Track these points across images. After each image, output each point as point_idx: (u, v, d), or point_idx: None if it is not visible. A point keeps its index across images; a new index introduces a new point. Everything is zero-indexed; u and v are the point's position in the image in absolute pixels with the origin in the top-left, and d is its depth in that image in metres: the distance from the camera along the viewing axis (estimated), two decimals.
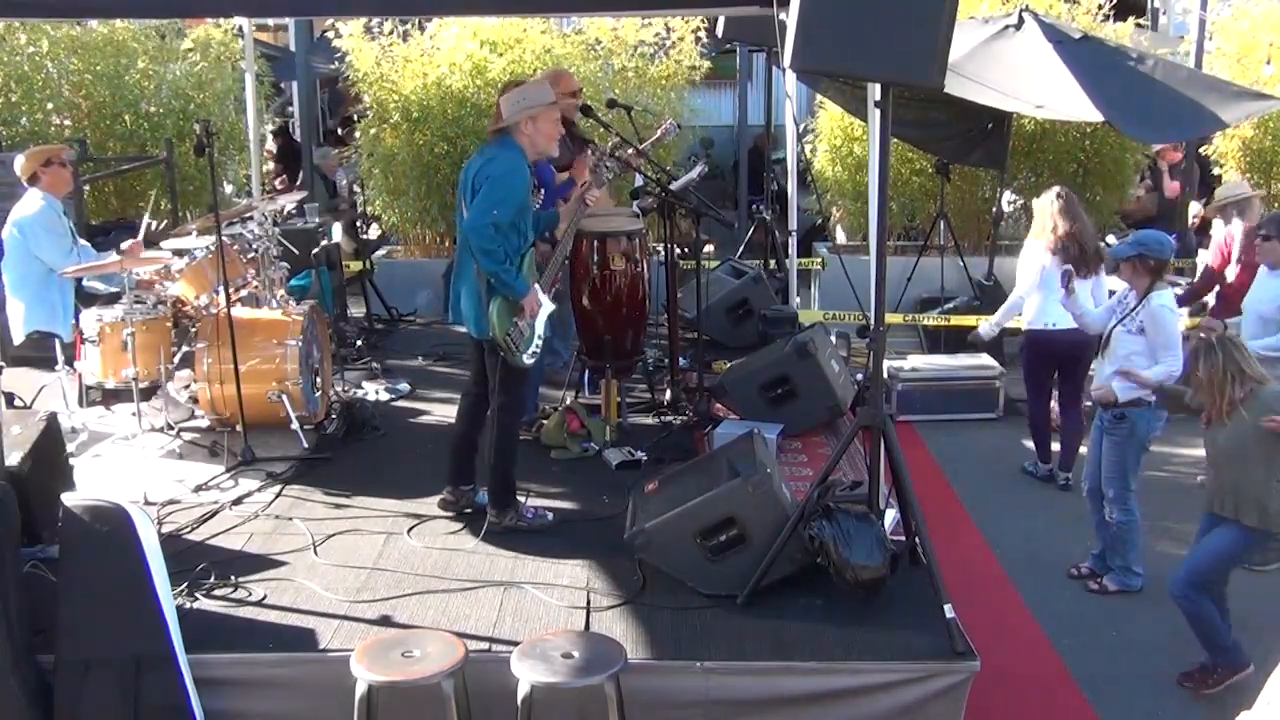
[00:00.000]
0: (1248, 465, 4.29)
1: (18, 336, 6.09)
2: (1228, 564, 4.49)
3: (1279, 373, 4.77)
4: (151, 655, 3.58)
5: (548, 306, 4.76)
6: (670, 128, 6.85)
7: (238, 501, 5.01)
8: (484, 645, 3.79)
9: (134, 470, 5.30)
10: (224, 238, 5.52)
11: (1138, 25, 9.64)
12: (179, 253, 6.04)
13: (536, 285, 4.67)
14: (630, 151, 6.39)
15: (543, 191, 5.48)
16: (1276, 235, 5.60)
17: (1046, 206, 6.20)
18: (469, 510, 4.84)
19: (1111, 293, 5.75)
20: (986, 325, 6.62)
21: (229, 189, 9.97)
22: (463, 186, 4.60)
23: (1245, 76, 9.34)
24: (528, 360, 4.66)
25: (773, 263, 8.90)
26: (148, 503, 4.90)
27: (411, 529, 4.74)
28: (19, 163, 6.14)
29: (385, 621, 3.97)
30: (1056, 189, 6.28)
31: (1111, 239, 9.28)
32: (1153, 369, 5.02)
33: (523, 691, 3.35)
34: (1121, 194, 10.03)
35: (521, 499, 4.87)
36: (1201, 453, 6.61)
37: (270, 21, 13.99)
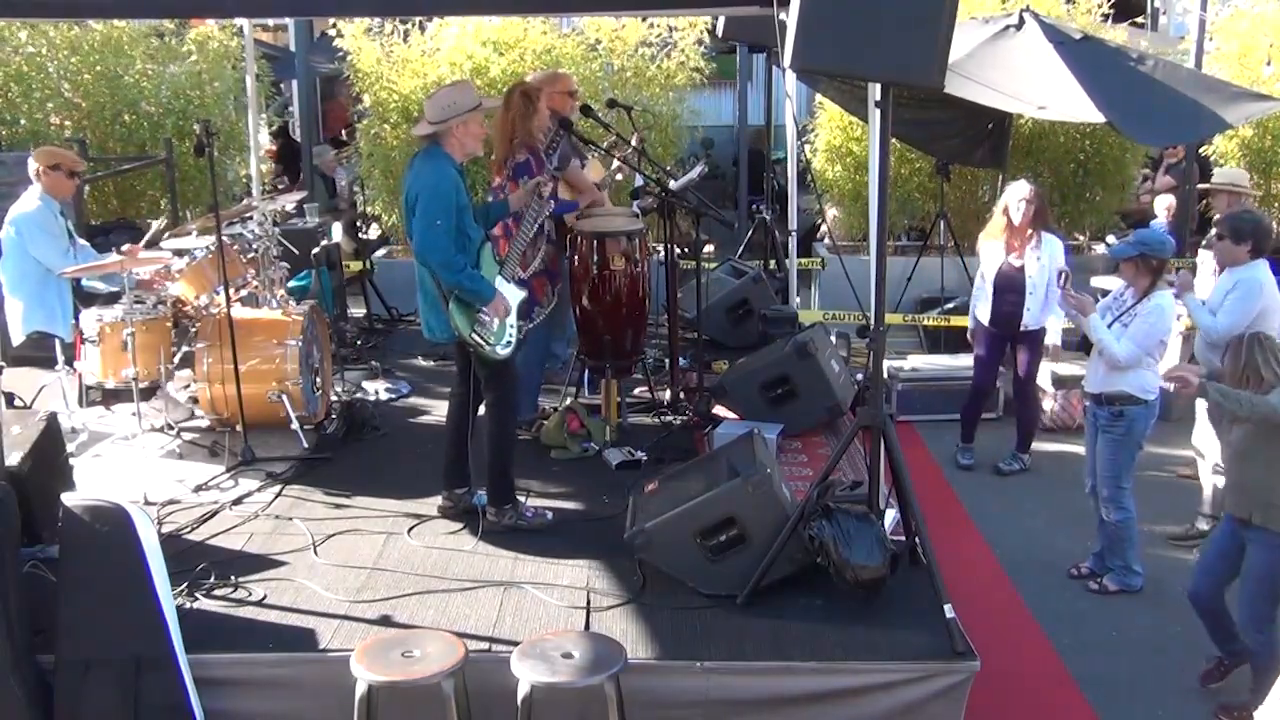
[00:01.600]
0: (1256, 465, 4.27)
1: (16, 337, 6.08)
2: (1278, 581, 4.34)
3: None
4: (151, 655, 3.58)
5: (516, 295, 4.76)
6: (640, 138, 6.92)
7: (238, 501, 5.01)
8: (484, 645, 3.79)
9: (134, 470, 5.30)
10: (224, 238, 5.52)
11: (1137, 25, 9.67)
12: (179, 253, 6.04)
13: (501, 284, 4.68)
14: (629, 151, 6.41)
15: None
16: (1229, 235, 5.41)
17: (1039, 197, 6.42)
18: (467, 513, 4.83)
19: (1105, 292, 5.78)
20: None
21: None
22: (408, 206, 4.56)
23: (1245, 77, 9.35)
24: (503, 352, 4.63)
25: (773, 263, 8.90)
26: (148, 503, 4.90)
27: (412, 529, 4.74)
28: (32, 156, 6.14)
29: (385, 621, 3.97)
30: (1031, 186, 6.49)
31: (1111, 239, 9.29)
32: (1121, 344, 5.03)
33: (523, 691, 3.35)
34: (1122, 194, 10.04)
35: (521, 499, 4.88)
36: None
37: (270, 21, 13.99)
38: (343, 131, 11.80)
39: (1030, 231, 6.36)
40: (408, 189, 4.54)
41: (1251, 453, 4.26)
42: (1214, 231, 5.70)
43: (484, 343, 4.55)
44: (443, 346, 7.41)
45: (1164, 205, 9.42)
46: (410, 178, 4.55)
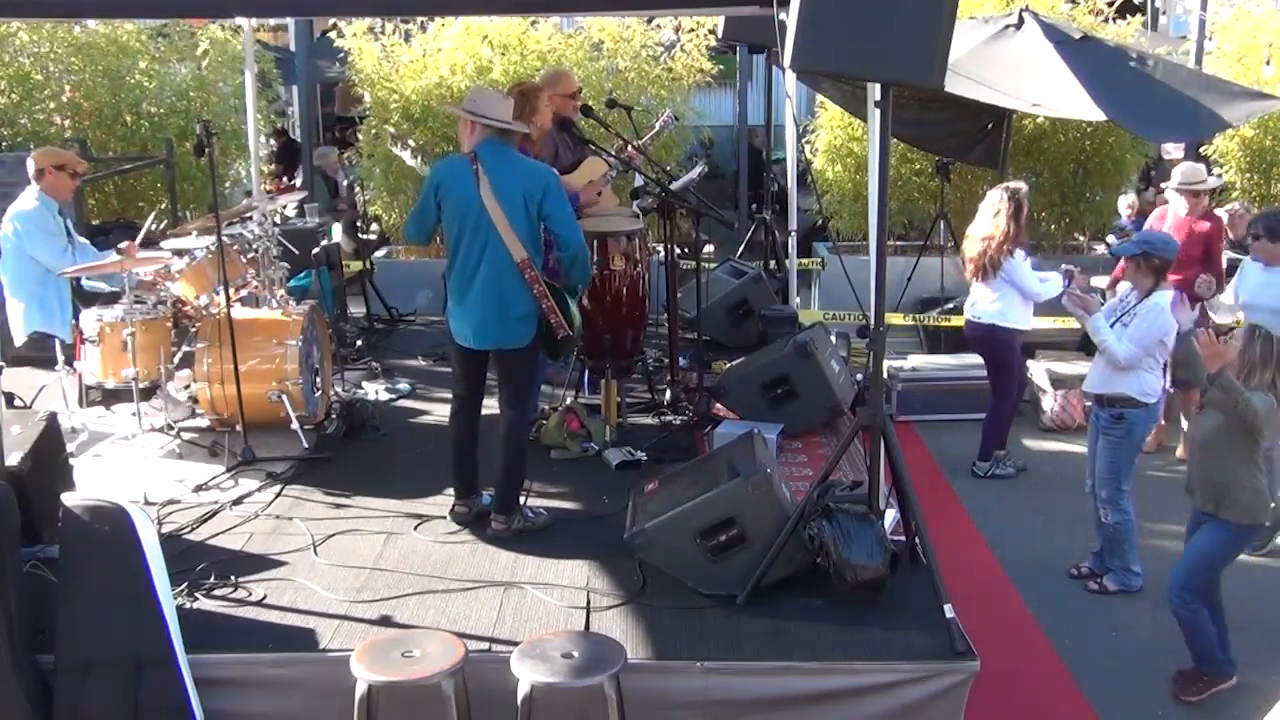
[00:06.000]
0: (1220, 458, 4.31)
1: (18, 338, 6.09)
2: (1219, 564, 4.45)
3: None
4: (151, 655, 3.57)
5: None
6: (668, 119, 6.86)
7: (238, 501, 5.01)
8: (484, 645, 3.79)
9: (134, 470, 5.30)
10: (224, 238, 5.52)
11: (1139, 27, 9.68)
12: (179, 253, 6.04)
13: None
14: (629, 150, 6.40)
15: None
16: (1265, 235, 5.77)
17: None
18: (480, 518, 4.81)
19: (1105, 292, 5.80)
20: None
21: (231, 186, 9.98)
22: (511, 205, 4.36)
23: (1245, 76, 9.35)
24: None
25: (773, 263, 8.90)
26: (148, 503, 4.90)
27: (416, 526, 4.74)
28: (33, 155, 6.12)
29: (385, 621, 3.97)
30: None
31: (1111, 239, 9.29)
32: (1120, 343, 5.03)
33: (523, 691, 3.35)
34: (1121, 194, 10.05)
35: (521, 500, 4.87)
36: None
37: (271, 21, 14.01)
38: (351, 109, 11.74)
39: None
40: (522, 184, 4.38)
41: (1219, 447, 4.32)
42: (1251, 233, 5.83)
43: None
44: (443, 345, 7.46)
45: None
46: (523, 177, 4.40)
